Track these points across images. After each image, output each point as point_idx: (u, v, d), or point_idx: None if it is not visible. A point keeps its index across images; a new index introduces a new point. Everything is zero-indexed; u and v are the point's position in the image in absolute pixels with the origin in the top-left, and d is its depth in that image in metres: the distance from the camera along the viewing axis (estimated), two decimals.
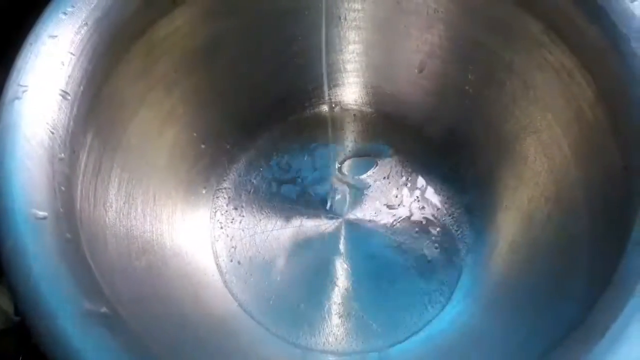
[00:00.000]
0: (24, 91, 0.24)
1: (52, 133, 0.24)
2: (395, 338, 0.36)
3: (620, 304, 0.23)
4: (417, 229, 0.39)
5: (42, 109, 0.24)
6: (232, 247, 0.39)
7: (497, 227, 0.37)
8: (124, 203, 0.32)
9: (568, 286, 0.30)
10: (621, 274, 0.24)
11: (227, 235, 0.39)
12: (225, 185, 0.40)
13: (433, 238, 0.39)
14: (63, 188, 0.24)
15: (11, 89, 0.24)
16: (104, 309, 0.22)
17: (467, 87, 0.38)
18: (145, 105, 0.33)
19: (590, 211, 0.30)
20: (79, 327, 0.21)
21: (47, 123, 0.24)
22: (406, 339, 0.36)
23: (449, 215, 0.39)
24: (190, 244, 0.37)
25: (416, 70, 0.40)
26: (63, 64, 0.26)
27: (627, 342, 0.21)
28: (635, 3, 0.27)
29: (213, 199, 0.40)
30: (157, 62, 0.33)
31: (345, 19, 0.39)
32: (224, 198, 0.40)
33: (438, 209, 0.40)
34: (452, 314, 0.36)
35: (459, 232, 0.39)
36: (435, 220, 0.39)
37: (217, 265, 0.38)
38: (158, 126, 0.35)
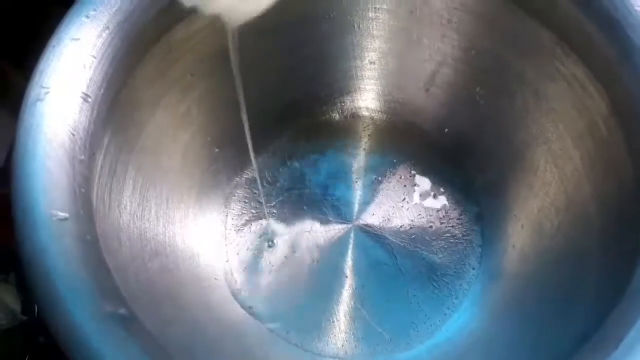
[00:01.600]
0: (46, 93, 0.25)
1: (73, 135, 0.24)
2: (403, 344, 0.36)
3: (633, 317, 0.23)
4: (426, 236, 0.39)
5: (64, 110, 0.25)
6: (243, 250, 0.39)
7: (507, 236, 0.37)
8: (137, 205, 0.32)
9: (576, 297, 0.30)
10: (633, 287, 0.24)
11: (238, 239, 0.39)
12: (237, 189, 0.41)
13: (442, 245, 0.39)
14: (82, 189, 0.24)
15: (34, 90, 0.25)
16: (122, 310, 0.22)
17: (478, 97, 0.39)
18: (160, 108, 0.33)
19: (601, 223, 0.30)
20: (98, 328, 0.21)
21: (68, 125, 0.24)
22: (414, 345, 0.36)
23: (459, 223, 0.40)
24: (202, 247, 0.37)
25: (423, 89, 0.40)
26: (85, 67, 0.26)
27: None
28: None
29: (225, 202, 0.40)
30: (173, 65, 0.33)
31: (360, 27, 0.39)
32: (236, 202, 0.40)
33: (448, 216, 0.40)
34: (459, 321, 0.36)
35: (468, 239, 0.39)
36: (444, 228, 0.40)
37: (228, 268, 0.38)
38: (173, 129, 0.35)
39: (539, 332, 0.31)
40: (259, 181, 0.40)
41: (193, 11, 0.31)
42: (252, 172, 0.41)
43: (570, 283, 0.31)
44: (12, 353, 0.37)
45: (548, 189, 0.35)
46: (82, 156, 0.25)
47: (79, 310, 0.21)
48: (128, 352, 0.21)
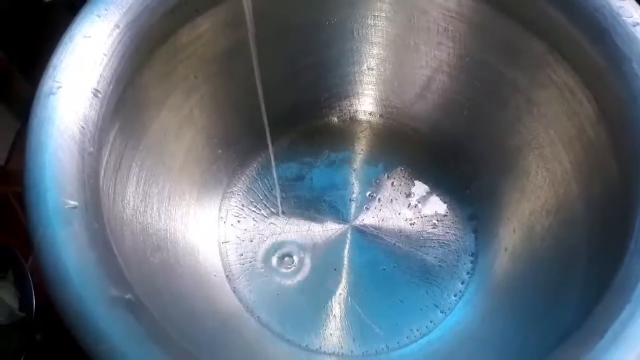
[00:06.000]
0: (58, 87, 0.25)
1: (83, 128, 0.25)
2: (397, 342, 0.37)
3: (617, 310, 0.24)
4: (421, 238, 0.40)
5: (75, 104, 0.25)
6: (241, 248, 0.40)
7: (499, 238, 0.38)
8: (140, 201, 0.33)
9: (565, 295, 0.31)
10: (618, 282, 0.25)
11: (236, 237, 0.40)
12: (236, 188, 0.41)
13: (437, 247, 0.40)
14: (91, 180, 0.25)
15: (46, 84, 0.25)
16: (129, 296, 0.23)
17: (472, 103, 0.40)
18: (165, 108, 0.34)
19: (589, 224, 0.31)
20: (107, 312, 0.22)
21: (79, 118, 0.25)
22: (408, 343, 0.37)
23: (453, 226, 0.40)
24: (201, 244, 0.38)
25: (419, 94, 0.41)
26: (96, 63, 0.27)
27: (624, 343, 0.22)
28: (637, 27, 0.29)
29: (224, 201, 0.41)
30: (178, 66, 0.34)
31: (359, 33, 0.40)
32: (235, 201, 0.41)
33: (442, 218, 0.41)
34: (452, 320, 0.37)
35: (462, 242, 0.40)
36: (439, 230, 0.40)
37: (226, 265, 0.39)
38: (176, 129, 0.36)
39: (528, 329, 0.32)
40: (276, 180, 0.40)
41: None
42: (251, 171, 0.42)
43: (559, 281, 0.32)
44: (9, 349, 0.37)
45: (539, 193, 0.36)
46: (92, 148, 0.26)
47: (88, 293, 0.22)
48: (135, 335, 0.22)
